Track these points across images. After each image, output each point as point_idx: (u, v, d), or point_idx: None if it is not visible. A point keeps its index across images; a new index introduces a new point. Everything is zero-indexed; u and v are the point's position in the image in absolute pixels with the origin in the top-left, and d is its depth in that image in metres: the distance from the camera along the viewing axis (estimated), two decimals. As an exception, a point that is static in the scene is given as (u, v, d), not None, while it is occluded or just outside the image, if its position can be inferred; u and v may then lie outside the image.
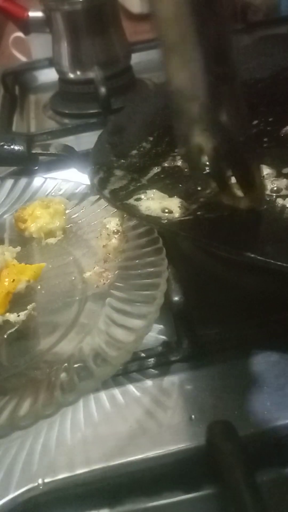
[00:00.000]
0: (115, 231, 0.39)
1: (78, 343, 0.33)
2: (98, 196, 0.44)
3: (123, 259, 0.38)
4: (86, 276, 0.38)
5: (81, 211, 0.45)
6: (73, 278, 0.39)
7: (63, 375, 0.29)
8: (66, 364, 0.30)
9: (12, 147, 0.54)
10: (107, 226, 0.39)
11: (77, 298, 0.37)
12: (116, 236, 0.39)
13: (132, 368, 0.33)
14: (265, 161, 0.43)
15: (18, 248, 0.42)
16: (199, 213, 0.38)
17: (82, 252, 0.42)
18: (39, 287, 0.39)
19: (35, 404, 0.27)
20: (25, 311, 0.36)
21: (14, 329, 0.36)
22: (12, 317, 0.36)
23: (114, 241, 0.38)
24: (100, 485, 0.27)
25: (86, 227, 0.44)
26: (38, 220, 0.43)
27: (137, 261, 0.37)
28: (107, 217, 0.41)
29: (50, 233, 0.44)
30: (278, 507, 0.26)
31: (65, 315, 0.36)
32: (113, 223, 0.40)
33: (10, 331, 0.35)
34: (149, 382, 0.33)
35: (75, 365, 0.30)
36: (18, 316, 0.36)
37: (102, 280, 0.37)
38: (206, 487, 0.27)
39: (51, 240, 0.43)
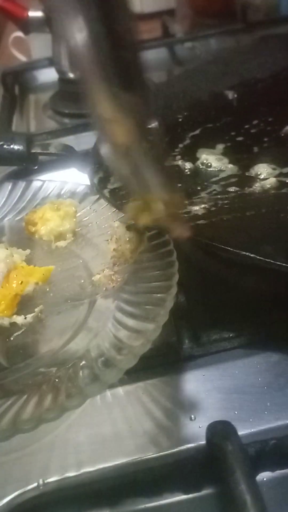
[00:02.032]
0: (126, 235, 0.39)
1: (85, 346, 0.33)
2: None
3: (132, 263, 0.38)
4: (95, 279, 0.37)
5: (92, 214, 0.45)
6: (82, 281, 0.39)
7: (69, 378, 0.29)
8: (72, 368, 0.30)
9: (11, 146, 0.54)
10: (117, 229, 0.39)
11: (86, 301, 0.37)
12: (126, 239, 0.38)
13: (131, 368, 0.33)
14: (265, 161, 0.43)
15: (28, 251, 0.42)
16: (199, 213, 0.38)
17: (92, 255, 0.41)
18: (47, 289, 0.38)
19: (39, 407, 0.27)
20: (33, 314, 0.36)
21: (21, 331, 0.35)
22: (19, 319, 0.35)
23: (125, 244, 0.38)
24: (100, 485, 0.27)
25: (96, 230, 0.43)
26: (48, 223, 0.43)
27: (146, 264, 0.36)
28: (116, 220, 0.41)
29: (60, 236, 0.43)
30: (278, 507, 0.26)
31: (73, 317, 0.36)
32: (123, 227, 0.39)
33: (17, 333, 0.35)
34: (149, 382, 0.33)
35: (82, 369, 0.30)
36: (25, 318, 0.36)
37: (111, 283, 0.36)
38: (206, 487, 0.27)
39: (61, 243, 0.43)
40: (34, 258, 0.42)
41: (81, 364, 0.30)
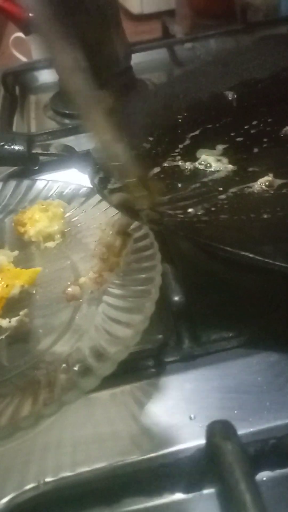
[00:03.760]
0: (111, 238, 0.39)
1: (76, 343, 0.33)
2: (99, 199, 0.44)
3: (118, 265, 0.38)
4: (81, 282, 0.38)
5: (81, 214, 0.45)
6: (69, 283, 0.39)
7: (62, 373, 0.29)
8: (64, 364, 0.30)
9: (12, 147, 0.54)
10: (103, 232, 0.39)
11: (71, 303, 0.37)
12: (112, 242, 0.39)
13: (131, 367, 0.33)
14: (264, 161, 0.43)
15: (16, 252, 0.42)
16: (199, 213, 0.38)
17: (80, 256, 0.41)
18: (34, 291, 0.39)
19: (36, 404, 0.27)
20: (17, 317, 0.36)
21: (4, 335, 0.35)
22: (4, 323, 0.36)
23: (110, 248, 0.38)
24: (100, 485, 0.27)
25: (85, 230, 0.43)
26: (37, 224, 0.43)
27: (132, 266, 0.37)
28: (102, 223, 0.41)
29: (49, 237, 0.43)
30: (278, 507, 0.26)
31: (60, 318, 0.36)
32: (109, 230, 0.40)
33: (0, 337, 0.35)
34: (148, 382, 0.33)
35: (75, 364, 0.30)
36: (10, 322, 0.36)
37: (96, 286, 0.37)
38: (206, 487, 0.27)
39: (50, 244, 0.43)
40: (24, 259, 0.42)
41: (73, 359, 0.30)
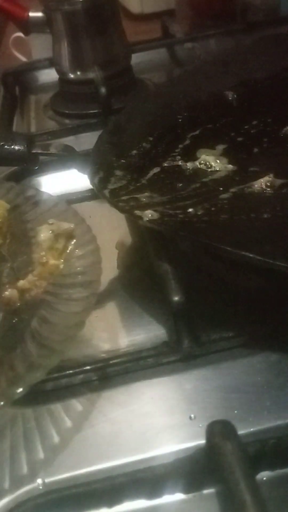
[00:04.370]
0: (47, 241, 0.38)
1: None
2: (44, 199, 0.43)
3: (57, 269, 0.37)
4: (19, 285, 0.37)
5: (24, 214, 0.43)
6: (6, 286, 0.38)
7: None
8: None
9: (12, 147, 0.54)
10: (43, 235, 0.38)
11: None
12: (51, 246, 0.38)
13: (132, 367, 0.33)
14: (264, 161, 0.43)
15: None
16: (199, 213, 0.38)
17: (21, 258, 0.40)
18: None
19: None
20: None
21: None
22: None
23: (49, 251, 0.37)
24: (100, 485, 0.27)
25: (27, 231, 0.42)
26: None
27: (72, 269, 0.36)
28: (41, 227, 0.40)
29: None
30: (278, 507, 0.26)
31: None
32: (46, 233, 0.38)
33: None
34: (148, 382, 0.33)
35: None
36: None
37: (35, 289, 0.36)
38: (206, 487, 0.27)
39: None
40: None
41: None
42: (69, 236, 0.38)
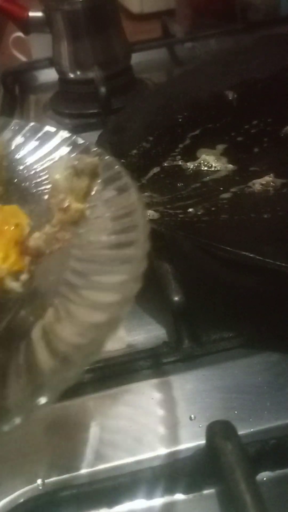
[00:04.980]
0: (66, 181, 0.28)
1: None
2: (52, 136, 0.35)
3: (81, 215, 0.28)
4: (36, 238, 0.27)
5: (30, 156, 0.35)
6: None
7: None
8: None
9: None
10: (59, 180, 0.28)
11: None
12: (71, 189, 0.28)
13: (132, 368, 0.33)
14: (265, 161, 0.43)
15: None
16: (199, 213, 0.38)
17: (29, 209, 0.31)
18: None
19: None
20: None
21: None
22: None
23: (69, 196, 0.28)
24: (100, 485, 0.27)
25: (34, 176, 0.34)
26: None
27: (103, 209, 0.28)
28: (56, 163, 0.32)
29: None
30: (278, 507, 0.26)
31: None
32: (63, 170, 0.28)
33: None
34: (148, 382, 0.33)
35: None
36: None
37: (56, 243, 0.28)
38: (206, 487, 0.27)
39: None
40: None
41: None
42: (94, 173, 0.28)
